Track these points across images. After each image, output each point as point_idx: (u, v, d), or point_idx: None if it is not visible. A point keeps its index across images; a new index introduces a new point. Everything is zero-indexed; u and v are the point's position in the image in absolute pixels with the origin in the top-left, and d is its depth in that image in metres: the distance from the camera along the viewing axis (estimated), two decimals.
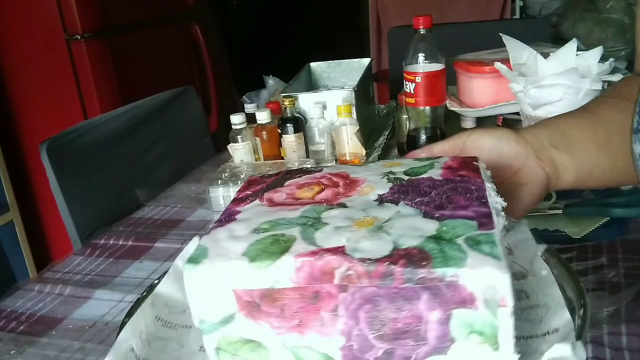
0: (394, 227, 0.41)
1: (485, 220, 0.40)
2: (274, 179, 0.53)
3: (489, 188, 0.45)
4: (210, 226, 0.46)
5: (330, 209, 0.45)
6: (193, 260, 0.40)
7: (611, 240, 0.76)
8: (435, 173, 0.48)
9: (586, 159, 0.57)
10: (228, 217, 0.46)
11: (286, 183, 0.52)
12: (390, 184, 0.48)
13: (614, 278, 0.68)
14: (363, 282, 0.37)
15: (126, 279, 0.84)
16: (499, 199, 0.43)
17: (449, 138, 0.58)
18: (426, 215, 0.42)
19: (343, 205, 0.45)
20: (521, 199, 0.56)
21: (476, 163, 0.49)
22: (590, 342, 0.58)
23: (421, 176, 0.48)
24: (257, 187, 0.52)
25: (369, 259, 0.37)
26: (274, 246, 0.40)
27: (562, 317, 0.43)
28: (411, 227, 0.40)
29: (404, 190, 0.46)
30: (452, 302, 0.36)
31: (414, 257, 0.37)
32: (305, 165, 1.07)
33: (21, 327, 0.74)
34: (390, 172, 0.50)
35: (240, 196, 0.51)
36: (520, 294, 0.46)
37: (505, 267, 0.35)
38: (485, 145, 0.56)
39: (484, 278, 0.35)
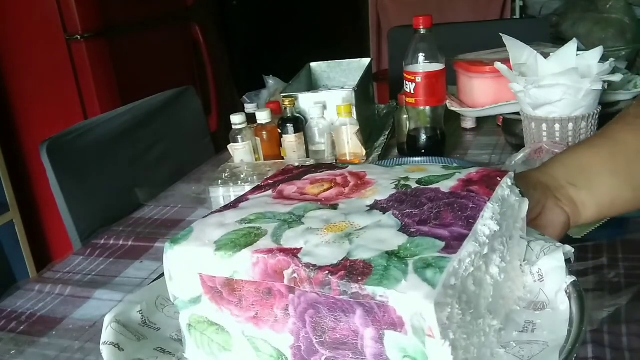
0: (362, 236, 0.40)
1: (455, 242, 0.38)
2: (300, 172, 0.55)
3: (490, 208, 0.43)
4: (213, 210, 0.48)
5: (320, 208, 0.46)
6: (174, 240, 0.44)
7: (611, 240, 0.76)
8: (447, 185, 0.47)
9: (606, 193, 0.56)
10: (234, 203, 0.49)
11: (305, 177, 0.53)
12: (395, 191, 0.47)
13: (614, 278, 0.68)
14: (306, 287, 0.38)
15: (126, 279, 0.84)
16: (491, 223, 0.42)
17: None
18: (403, 228, 0.41)
19: (334, 207, 0.46)
20: None
21: (500, 178, 0.47)
22: (591, 342, 0.58)
23: (430, 186, 0.47)
24: (282, 177, 0.54)
25: (314, 265, 0.37)
26: (243, 239, 0.42)
27: None
28: (378, 239, 0.40)
29: (401, 199, 0.46)
30: (383, 323, 0.35)
31: (355, 271, 0.36)
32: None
33: (21, 327, 0.74)
34: (405, 178, 0.49)
35: (264, 184, 0.53)
36: (527, 326, 0.45)
37: (434, 296, 0.34)
38: None
39: (411, 304, 0.34)
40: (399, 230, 0.41)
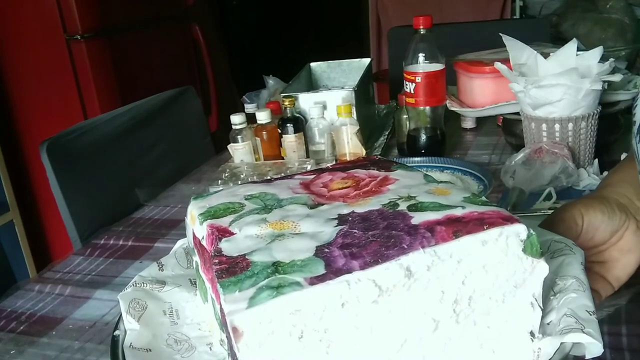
0: (285, 240, 0.40)
1: (330, 275, 0.36)
2: (355, 164, 0.55)
3: (414, 255, 0.37)
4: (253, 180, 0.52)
5: (304, 204, 0.47)
6: (196, 197, 0.50)
7: None
8: (425, 217, 0.41)
9: None
10: (276, 179, 0.53)
11: (351, 170, 0.53)
12: (378, 208, 0.44)
13: None
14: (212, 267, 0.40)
15: (126, 279, 0.84)
16: (399, 271, 0.37)
17: (560, 221, 0.53)
18: (322, 245, 0.39)
19: (315, 207, 0.46)
20: (627, 266, 0.54)
21: (489, 228, 0.39)
22: None
23: (411, 213, 0.42)
24: (344, 165, 0.55)
25: (218, 252, 0.40)
26: (222, 212, 0.46)
27: None
28: (292, 248, 0.39)
29: (367, 218, 0.42)
30: (225, 324, 0.36)
31: (233, 268, 0.37)
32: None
33: (21, 327, 0.74)
34: (407, 198, 0.45)
35: (327, 166, 0.56)
36: None
37: (238, 315, 0.34)
38: (600, 225, 0.53)
39: (226, 314, 0.34)
40: (317, 246, 0.39)
